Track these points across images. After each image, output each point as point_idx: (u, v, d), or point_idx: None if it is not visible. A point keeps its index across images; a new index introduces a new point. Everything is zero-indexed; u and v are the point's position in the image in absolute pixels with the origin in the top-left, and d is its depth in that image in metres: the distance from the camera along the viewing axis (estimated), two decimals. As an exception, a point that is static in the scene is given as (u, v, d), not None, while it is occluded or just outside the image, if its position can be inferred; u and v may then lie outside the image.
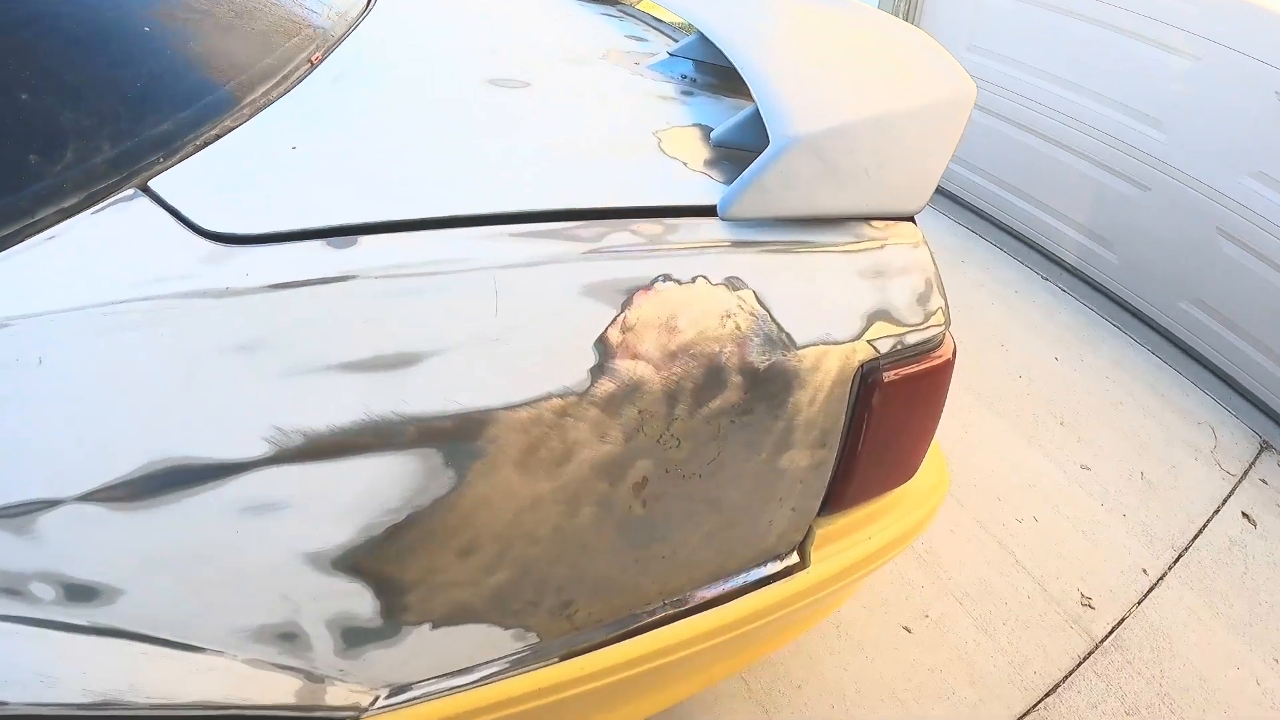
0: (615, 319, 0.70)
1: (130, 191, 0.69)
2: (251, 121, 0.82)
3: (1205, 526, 1.98)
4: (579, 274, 0.69)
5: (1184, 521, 1.99)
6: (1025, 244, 2.94)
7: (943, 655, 1.64)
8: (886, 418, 0.91)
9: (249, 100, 0.86)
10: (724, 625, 0.99)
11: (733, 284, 0.75)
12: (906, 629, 1.69)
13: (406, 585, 0.72)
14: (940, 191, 3.23)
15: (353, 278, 0.65)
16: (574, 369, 0.69)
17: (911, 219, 0.89)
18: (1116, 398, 2.34)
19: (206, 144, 0.77)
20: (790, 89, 0.82)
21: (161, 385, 0.62)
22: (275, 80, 0.90)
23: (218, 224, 0.67)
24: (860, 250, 0.82)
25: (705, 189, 0.79)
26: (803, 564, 1.03)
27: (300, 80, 0.92)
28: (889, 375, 0.87)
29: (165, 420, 0.62)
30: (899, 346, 0.86)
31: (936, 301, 0.89)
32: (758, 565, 1.00)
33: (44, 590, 0.63)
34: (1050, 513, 1.99)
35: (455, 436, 0.67)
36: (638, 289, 0.71)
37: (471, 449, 0.68)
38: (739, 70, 0.90)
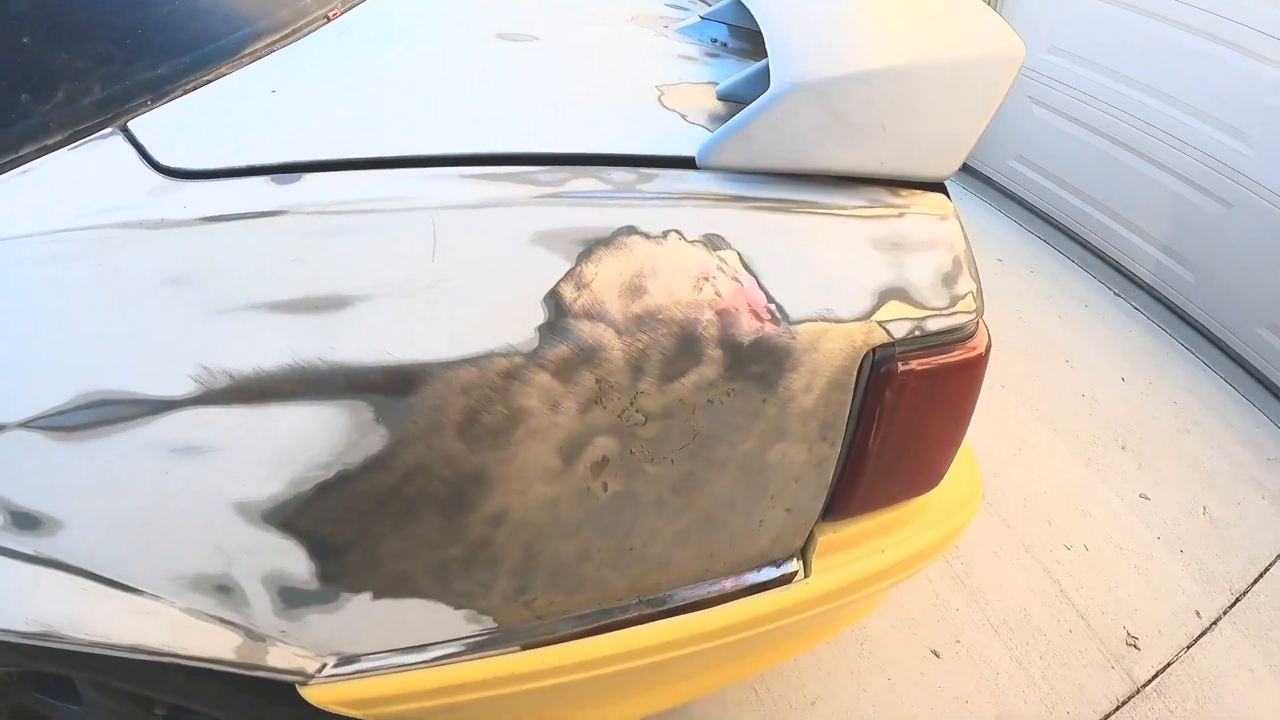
0: (569, 273, 0.60)
1: (109, 130, 0.68)
2: (246, 69, 0.80)
3: (1267, 571, 1.77)
4: (530, 219, 0.61)
5: (1245, 564, 1.77)
6: (1098, 257, 2.71)
7: (970, 685, 1.47)
8: (902, 415, 0.78)
9: (250, 50, 0.83)
10: (711, 630, 0.88)
11: (712, 242, 0.64)
12: (935, 653, 1.53)
13: (341, 548, 0.66)
14: (1012, 197, 3.03)
15: (284, 213, 0.59)
16: (520, 326, 0.60)
17: (943, 189, 0.76)
18: (1184, 425, 2.11)
19: (196, 88, 0.75)
20: (804, 34, 0.71)
21: (96, 315, 0.59)
22: (285, 32, 0.88)
23: (173, 159, 0.65)
24: (874, 217, 0.70)
25: (699, 142, 0.69)
26: (804, 573, 0.91)
27: (310, 33, 0.88)
28: (906, 365, 0.74)
29: (98, 352, 0.59)
30: (917, 332, 0.73)
31: (966, 284, 0.75)
32: (750, 569, 0.88)
33: None
34: (1102, 542, 1.79)
35: (386, 390, 0.60)
36: (597, 241, 0.61)
37: (405, 406, 0.60)
38: (756, 19, 0.79)
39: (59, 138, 0.66)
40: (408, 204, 0.60)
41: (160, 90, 0.73)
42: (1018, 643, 1.57)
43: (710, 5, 1.18)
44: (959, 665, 1.52)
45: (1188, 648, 1.60)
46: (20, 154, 0.65)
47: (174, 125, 0.70)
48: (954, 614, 1.61)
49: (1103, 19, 2.47)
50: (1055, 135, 2.73)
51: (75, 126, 0.67)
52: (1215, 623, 1.65)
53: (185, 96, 0.74)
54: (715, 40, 1.00)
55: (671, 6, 1.13)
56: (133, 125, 0.69)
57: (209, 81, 0.76)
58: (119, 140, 0.67)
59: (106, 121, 0.68)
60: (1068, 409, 2.13)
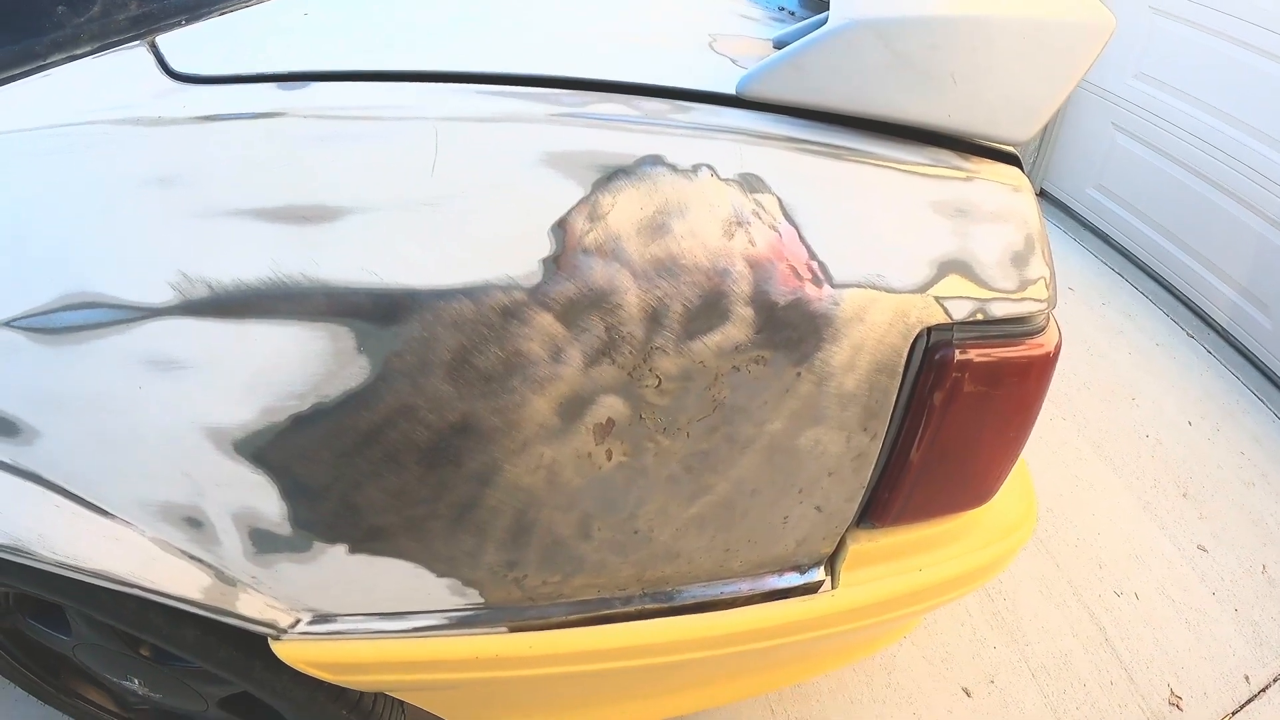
0: (582, 201, 0.51)
1: (136, 43, 0.65)
2: None
3: (1325, 641, 1.55)
4: (543, 139, 0.52)
5: (1302, 630, 1.56)
6: (1173, 294, 2.50)
7: (1003, 730, 1.31)
8: (956, 411, 0.66)
9: None
10: (722, 636, 0.77)
11: (749, 183, 0.54)
12: (966, 691, 1.38)
13: (314, 492, 0.58)
14: (1088, 226, 2.82)
15: (280, 115, 0.53)
16: (522, 256, 0.51)
17: (1017, 162, 0.64)
18: (1249, 478, 1.91)
19: (233, 10, 0.71)
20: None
21: (84, 213, 0.54)
22: None
23: (187, 66, 0.60)
24: (938, 177, 0.59)
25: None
26: (831, 584, 0.79)
27: None
28: (964, 354, 0.63)
29: (84, 250, 0.54)
30: (979, 316, 0.62)
31: (1039, 269, 0.63)
32: (771, 573, 0.77)
33: None
34: (1154, 592, 1.62)
35: (370, 316, 0.51)
36: (617, 169, 0.51)
37: (389, 336, 0.51)
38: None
39: (88, 48, 0.63)
40: (411, 114, 0.51)
41: (197, 11, 0.70)
42: (1055, 690, 1.40)
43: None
44: (990, 707, 1.36)
45: (1233, 714, 1.43)
46: (48, 61, 0.61)
47: (200, 40, 0.65)
48: (990, 651, 1.45)
49: (1195, 47, 2.28)
50: (1137, 165, 2.53)
51: (105, 39, 0.64)
52: (1264, 690, 1.47)
53: (221, 17, 0.69)
54: (783, 9, 0.90)
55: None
56: (160, 40, 0.65)
57: (247, 6, 0.71)
58: (142, 50, 0.63)
59: (137, 36, 0.65)
60: (1129, 448, 1.93)
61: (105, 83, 0.60)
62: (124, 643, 0.87)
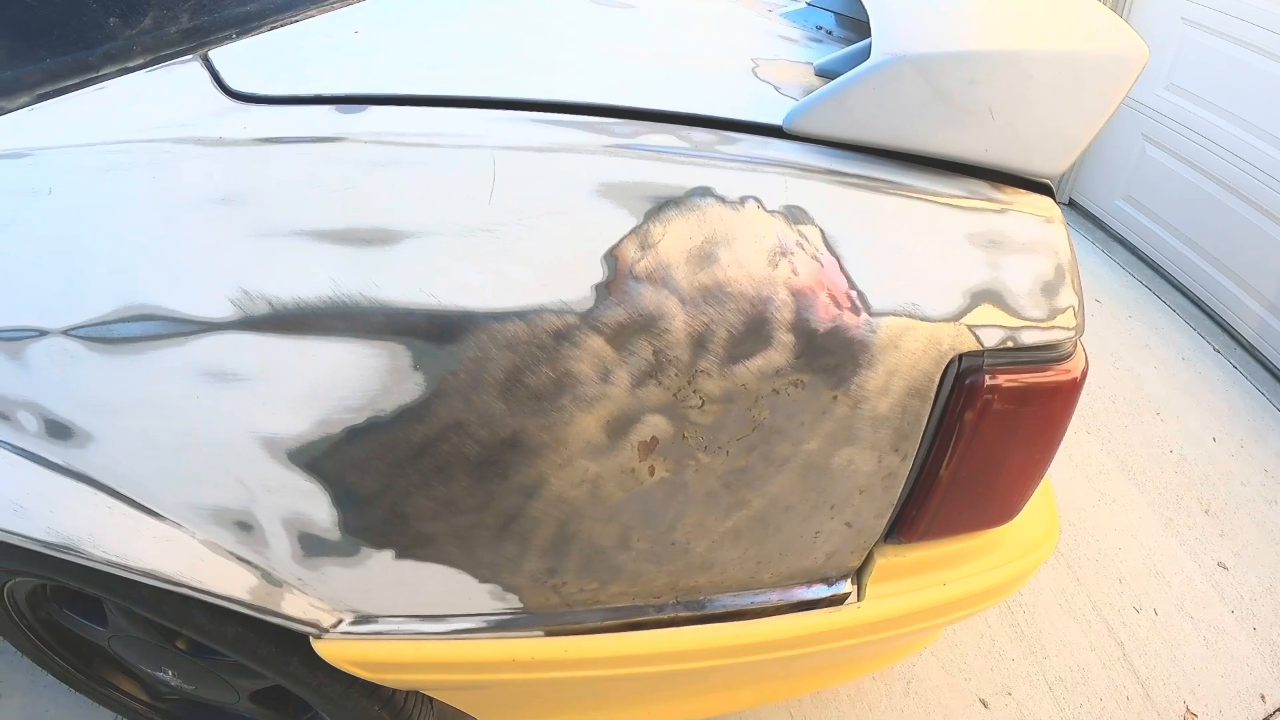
0: (635, 230, 0.54)
1: (190, 58, 0.67)
2: (334, 12, 0.77)
3: (1342, 663, 1.56)
4: (597, 169, 0.54)
5: (1320, 651, 1.57)
6: (1201, 309, 2.49)
7: (1019, 742, 1.33)
8: (984, 434, 0.69)
9: None
10: (750, 644, 0.80)
11: (794, 215, 0.57)
12: (983, 703, 1.40)
13: (365, 500, 0.61)
14: (1116, 237, 2.82)
15: (341, 140, 0.55)
16: (577, 283, 0.54)
17: (1049, 190, 0.67)
18: (1273, 496, 1.92)
19: (282, 26, 0.74)
20: (912, 12, 0.63)
21: (145, 228, 0.57)
22: None
23: (244, 85, 0.63)
24: (973, 209, 0.62)
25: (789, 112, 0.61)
26: (856, 596, 0.81)
27: None
28: (994, 379, 0.65)
29: (144, 265, 0.57)
30: (1010, 344, 0.64)
31: (1068, 298, 0.66)
32: (799, 585, 0.80)
33: (28, 420, 0.61)
34: (1172, 608, 1.63)
35: (428, 336, 0.54)
36: (668, 200, 0.54)
37: (445, 355, 0.54)
38: (864, 3, 0.71)
39: (140, 61, 0.65)
40: (469, 141, 0.54)
41: (247, 25, 0.72)
42: (1071, 703, 1.42)
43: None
44: (1007, 719, 1.38)
45: (1248, 731, 1.43)
46: (101, 73, 0.64)
47: (253, 57, 0.68)
48: (1009, 663, 1.47)
49: (1227, 59, 2.28)
50: (1167, 177, 2.53)
51: (157, 52, 0.66)
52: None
53: (270, 32, 0.72)
54: (820, 28, 0.92)
55: (777, -6, 1.07)
56: (213, 54, 0.67)
57: (297, 21, 0.74)
58: (196, 66, 0.66)
59: (189, 50, 0.67)
60: (1152, 463, 1.94)
61: (163, 99, 0.62)
62: (161, 636, 0.90)
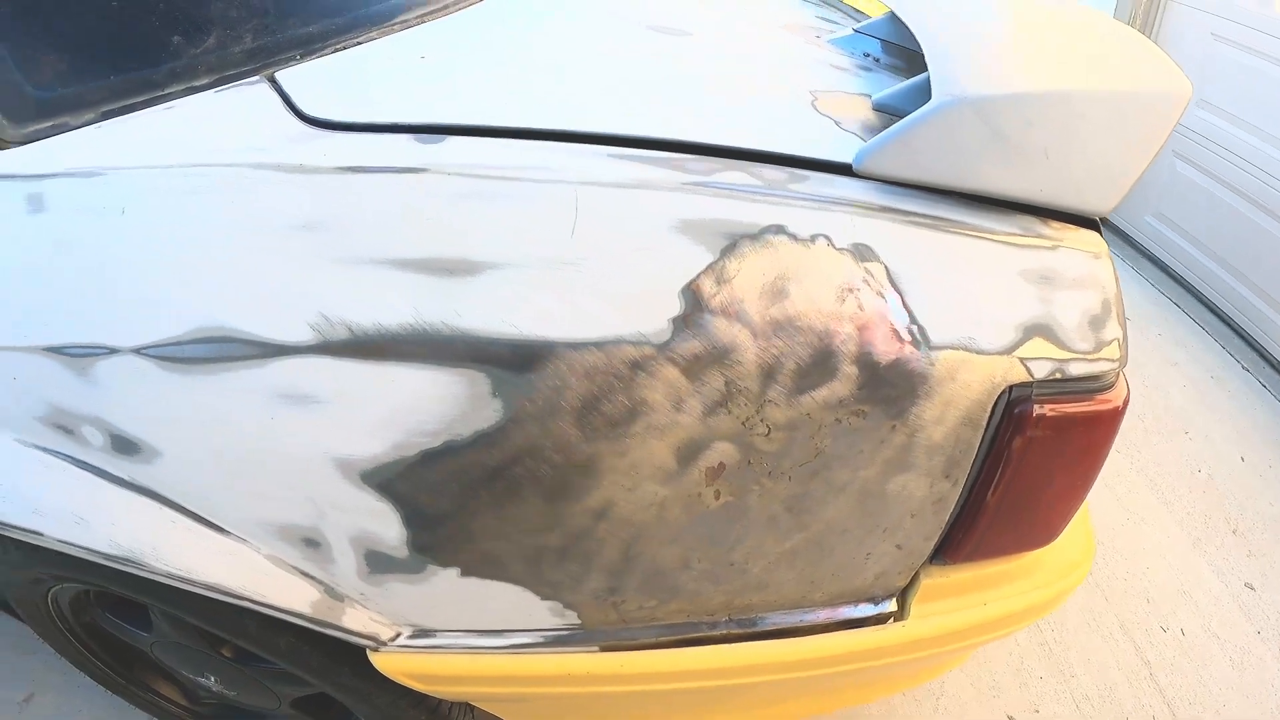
0: (711, 266, 0.56)
1: (256, 79, 0.68)
2: (397, 35, 0.79)
3: (1369, 687, 1.55)
4: (676, 206, 0.56)
5: (1348, 677, 1.56)
6: (1230, 327, 2.49)
7: (1047, 760, 1.34)
8: (1032, 460, 0.70)
9: (402, 18, 0.83)
10: (797, 661, 0.81)
11: (861, 253, 0.58)
12: (1012, 719, 1.40)
13: (436, 520, 0.63)
14: (1145, 254, 2.82)
15: (424, 171, 0.57)
16: (654, 315, 0.56)
17: (1097, 226, 0.68)
18: (1303, 517, 1.89)
19: (346, 48, 0.75)
20: (968, 52, 0.65)
21: (223, 252, 0.59)
22: (438, 6, 0.87)
23: (318, 110, 0.64)
24: (1027, 246, 0.63)
25: (852, 148, 0.63)
26: (900, 615, 0.83)
27: (463, 9, 0.88)
28: (1042, 409, 0.67)
29: (221, 288, 0.58)
30: (1058, 375, 0.66)
31: (1113, 331, 0.67)
32: (847, 603, 0.81)
33: (94, 435, 0.62)
34: (1200, 629, 1.63)
35: (508, 364, 0.56)
36: (743, 236, 0.56)
37: (524, 383, 0.56)
38: (915, 35, 0.73)
39: (206, 80, 0.66)
40: (551, 176, 0.56)
41: (311, 46, 0.73)
42: (1100, 722, 1.43)
43: (860, 21, 1.12)
44: (1035, 737, 1.39)
45: (1274, 753, 1.43)
46: (166, 91, 0.65)
47: (321, 79, 0.69)
48: (1037, 681, 1.48)
49: (1259, 76, 2.27)
50: (1197, 194, 2.52)
51: (223, 71, 0.67)
52: (1306, 734, 1.47)
53: (335, 54, 0.73)
54: (868, 55, 0.94)
55: (822, 19, 1.08)
56: (280, 75, 0.69)
57: (359, 43, 0.76)
58: (265, 88, 0.67)
59: (255, 70, 0.69)
60: (1180, 482, 1.94)
61: (236, 122, 0.63)
62: (207, 643, 0.91)
